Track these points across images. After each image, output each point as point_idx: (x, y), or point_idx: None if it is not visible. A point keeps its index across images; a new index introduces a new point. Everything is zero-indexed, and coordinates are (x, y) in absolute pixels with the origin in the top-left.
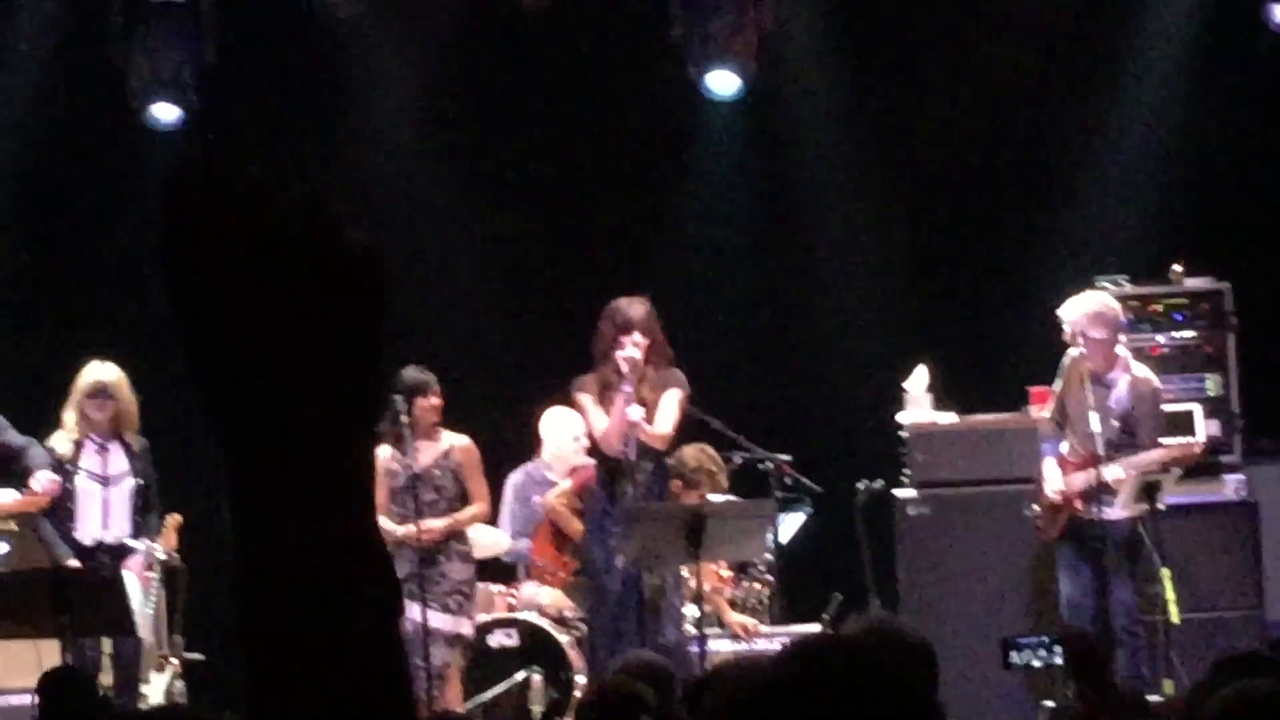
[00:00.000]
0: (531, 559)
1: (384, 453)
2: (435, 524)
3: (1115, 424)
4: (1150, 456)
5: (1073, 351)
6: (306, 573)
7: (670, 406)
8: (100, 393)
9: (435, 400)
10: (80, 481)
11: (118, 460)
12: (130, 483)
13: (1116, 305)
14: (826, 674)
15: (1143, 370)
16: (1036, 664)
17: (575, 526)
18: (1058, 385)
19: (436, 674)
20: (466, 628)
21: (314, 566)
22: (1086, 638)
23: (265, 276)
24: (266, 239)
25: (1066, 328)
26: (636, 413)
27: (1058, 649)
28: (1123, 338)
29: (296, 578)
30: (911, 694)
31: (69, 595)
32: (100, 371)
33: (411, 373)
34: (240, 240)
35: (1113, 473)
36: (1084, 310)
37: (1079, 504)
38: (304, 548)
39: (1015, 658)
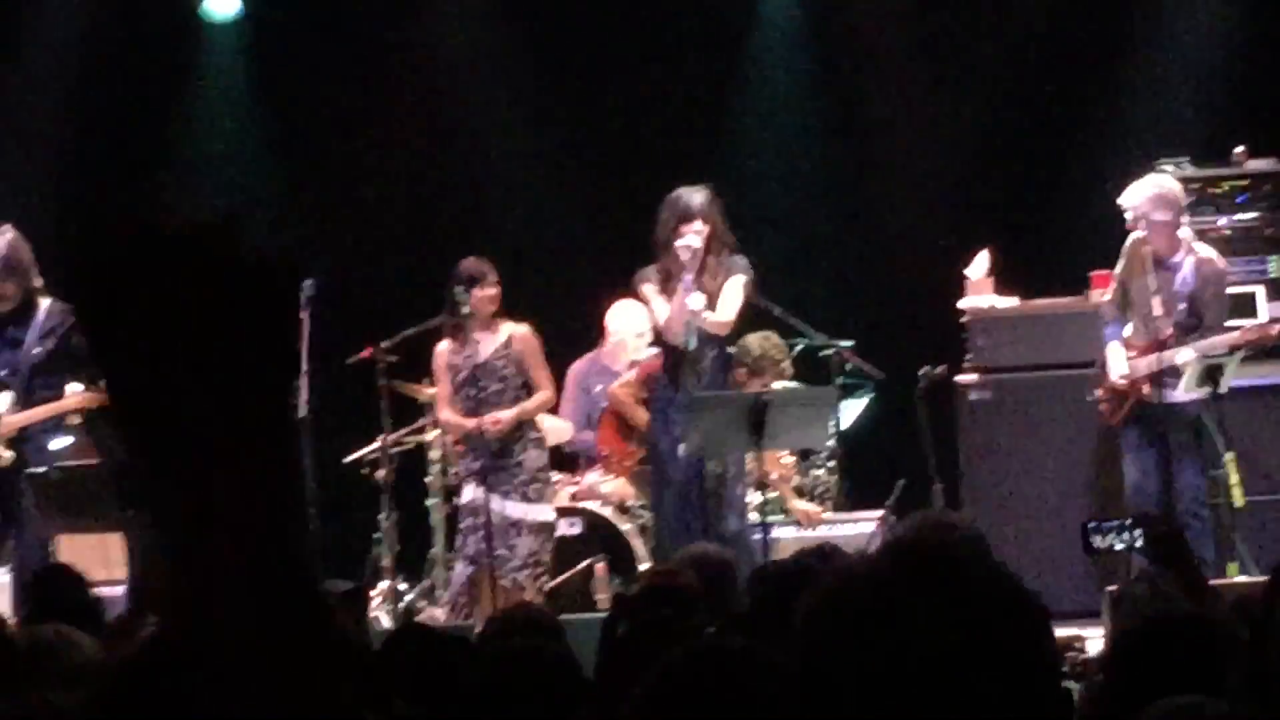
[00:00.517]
0: (597, 448)
1: (443, 346)
2: (504, 415)
3: (1181, 306)
4: (1224, 339)
5: (1135, 235)
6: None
7: (733, 294)
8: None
9: (493, 290)
10: None
11: None
12: None
13: (1178, 186)
14: (929, 574)
15: (1207, 251)
16: (1119, 547)
17: (640, 416)
18: (1119, 269)
19: (523, 563)
20: (548, 514)
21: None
22: (1167, 520)
23: (168, 293)
24: (168, 258)
25: (1129, 212)
26: (698, 301)
27: (1138, 532)
28: (1185, 219)
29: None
30: (1017, 596)
31: (134, 489)
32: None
33: (469, 263)
34: (142, 263)
35: (1184, 355)
36: (1146, 193)
37: (1145, 388)
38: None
39: (1097, 540)
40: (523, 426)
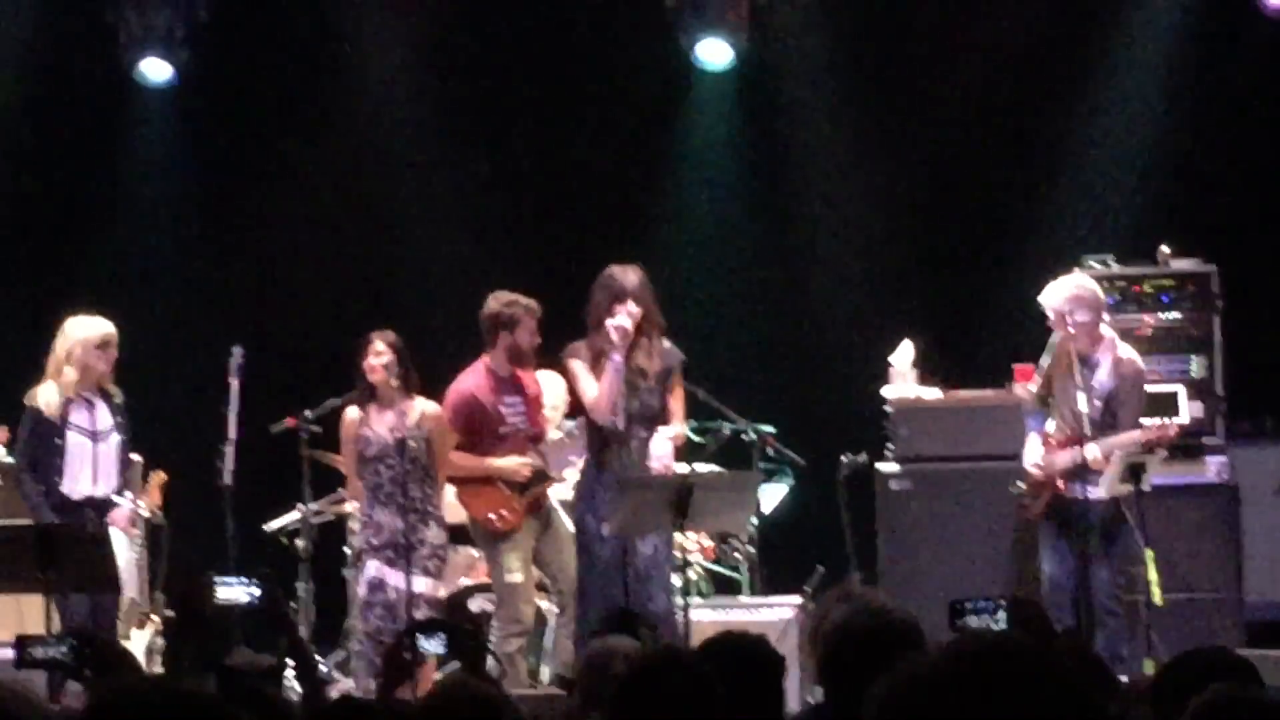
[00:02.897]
0: (484, 524)
1: (352, 414)
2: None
3: (1098, 404)
4: (1128, 437)
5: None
6: None
7: (680, 402)
8: (109, 344)
9: (379, 359)
10: (72, 437)
11: (104, 415)
12: (117, 438)
13: (1095, 285)
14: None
15: (1128, 351)
16: (994, 627)
17: (472, 463)
18: (1045, 361)
19: None
20: (443, 591)
21: None
22: (1032, 605)
23: None
24: None
25: (1050, 313)
26: (664, 448)
27: (1002, 615)
28: (1106, 317)
29: None
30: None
31: (54, 551)
32: (107, 324)
33: (369, 334)
34: None
35: (1091, 452)
36: (1065, 294)
37: (1061, 483)
38: None
39: (972, 620)
40: (425, 504)
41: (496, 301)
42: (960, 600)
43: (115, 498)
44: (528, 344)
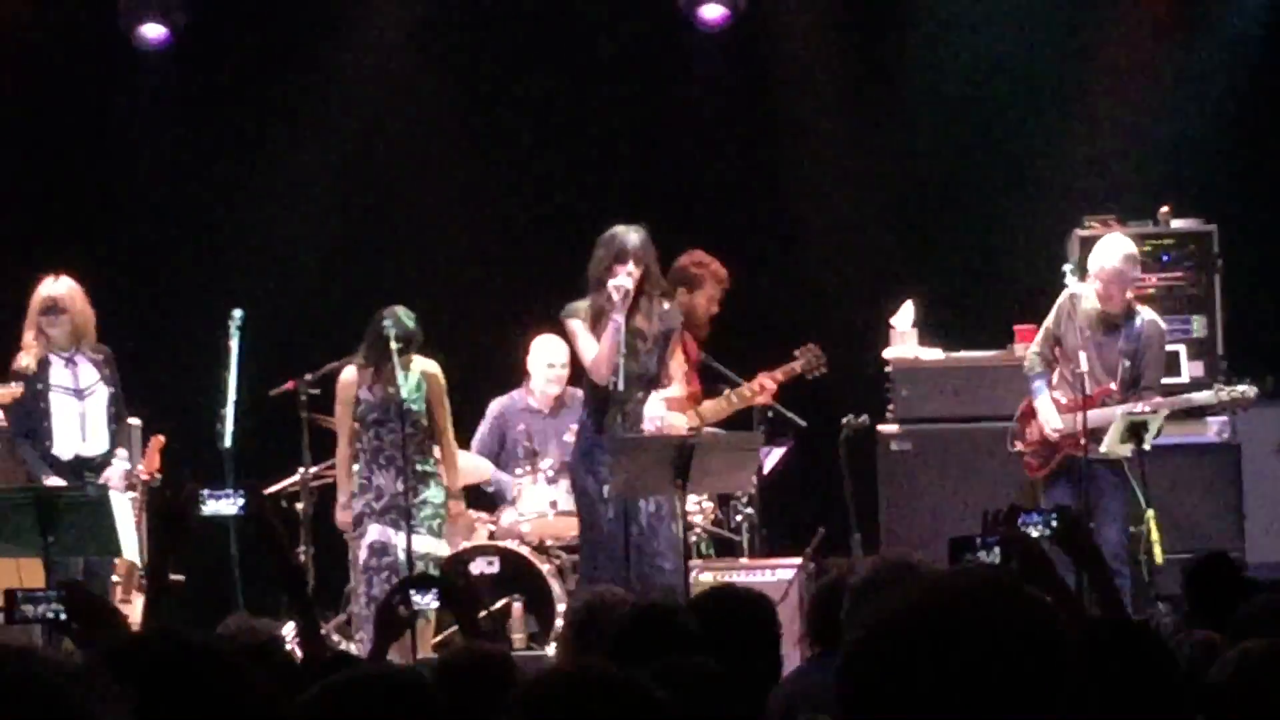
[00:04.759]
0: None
1: (350, 375)
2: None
3: (1126, 364)
4: (1203, 395)
5: (1074, 289)
6: None
7: (677, 367)
8: (51, 309)
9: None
10: (54, 397)
11: (87, 372)
12: (104, 393)
13: None
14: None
15: (1151, 312)
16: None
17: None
18: (1050, 321)
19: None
20: (446, 549)
21: None
22: (1026, 539)
23: None
24: None
25: (1105, 267)
26: (657, 409)
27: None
28: None
29: None
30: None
31: (54, 514)
32: (51, 287)
33: (409, 322)
34: None
35: (1153, 408)
36: (1124, 251)
37: (1083, 441)
38: None
39: (983, 556)
40: (425, 465)
41: (689, 258)
42: (962, 537)
43: (115, 460)
44: (703, 309)
